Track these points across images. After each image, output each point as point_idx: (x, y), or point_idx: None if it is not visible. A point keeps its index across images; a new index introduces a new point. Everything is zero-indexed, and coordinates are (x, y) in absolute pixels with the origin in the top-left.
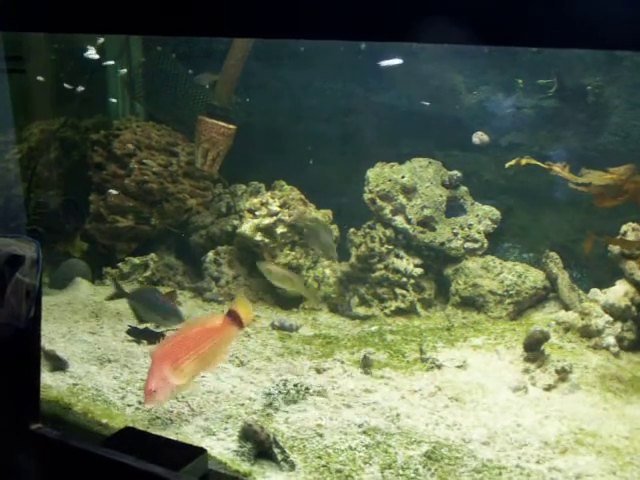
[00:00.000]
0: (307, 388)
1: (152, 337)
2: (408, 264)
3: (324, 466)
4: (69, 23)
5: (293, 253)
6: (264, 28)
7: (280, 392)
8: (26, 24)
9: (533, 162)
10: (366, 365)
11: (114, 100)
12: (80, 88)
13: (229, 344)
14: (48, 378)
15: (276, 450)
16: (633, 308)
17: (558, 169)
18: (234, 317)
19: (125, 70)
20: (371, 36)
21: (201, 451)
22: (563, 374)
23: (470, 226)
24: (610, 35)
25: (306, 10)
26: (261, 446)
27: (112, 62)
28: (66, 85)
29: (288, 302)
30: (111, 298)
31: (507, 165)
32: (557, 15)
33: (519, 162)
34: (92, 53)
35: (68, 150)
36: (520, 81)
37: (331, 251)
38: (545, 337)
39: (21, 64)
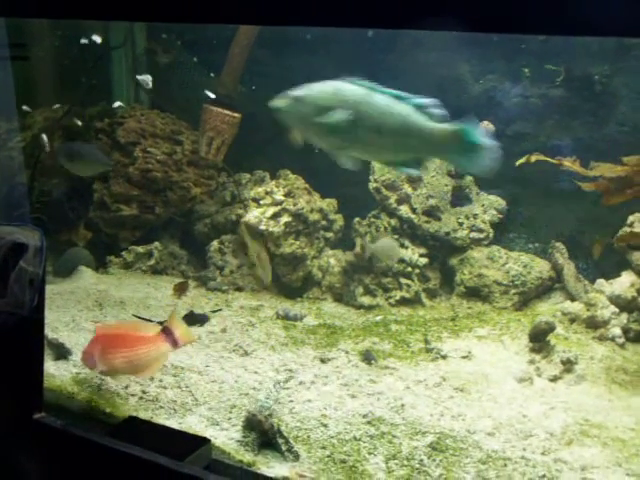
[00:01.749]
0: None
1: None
2: (413, 254)
3: (328, 456)
4: (69, 9)
5: (297, 242)
6: (265, 15)
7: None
8: (25, 9)
9: (542, 158)
10: (367, 359)
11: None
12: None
13: (162, 360)
14: (51, 367)
15: (280, 440)
16: (639, 299)
17: (568, 164)
18: (168, 334)
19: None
20: (371, 23)
21: (205, 441)
22: (568, 365)
23: (475, 216)
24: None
25: None
26: (265, 436)
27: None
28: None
29: (292, 291)
30: None
31: (517, 163)
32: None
33: (529, 159)
34: (95, 38)
35: (72, 138)
36: (526, 70)
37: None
38: (550, 328)
39: (24, 51)
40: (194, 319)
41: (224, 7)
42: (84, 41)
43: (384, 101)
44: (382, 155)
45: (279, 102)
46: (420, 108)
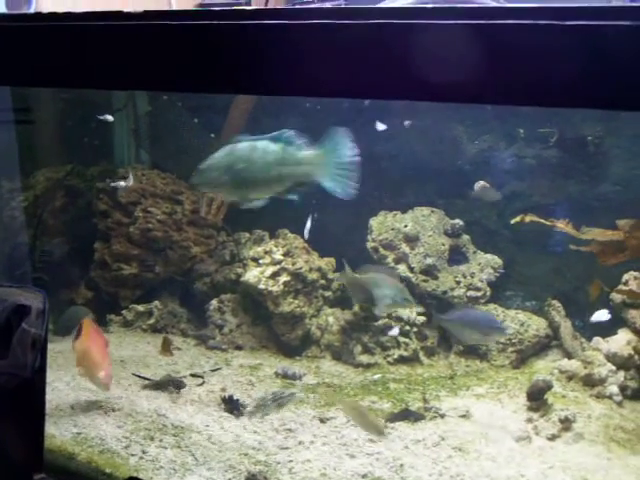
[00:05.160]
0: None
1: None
2: (411, 312)
3: None
4: (73, 78)
5: (296, 301)
6: (262, 85)
7: None
8: (31, 79)
9: (536, 219)
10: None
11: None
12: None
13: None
14: (52, 427)
15: None
16: (636, 357)
17: (562, 225)
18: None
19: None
20: (367, 94)
21: None
22: (567, 423)
23: (472, 274)
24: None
25: (301, 69)
26: None
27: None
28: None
29: (291, 350)
30: None
31: (512, 222)
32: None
33: (523, 219)
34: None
35: (74, 198)
36: (521, 131)
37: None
38: (548, 386)
39: (29, 115)
40: (232, 404)
41: (224, 78)
42: (101, 117)
43: (263, 146)
44: (273, 189)
45: (193, 178)
46: (289, 142)
